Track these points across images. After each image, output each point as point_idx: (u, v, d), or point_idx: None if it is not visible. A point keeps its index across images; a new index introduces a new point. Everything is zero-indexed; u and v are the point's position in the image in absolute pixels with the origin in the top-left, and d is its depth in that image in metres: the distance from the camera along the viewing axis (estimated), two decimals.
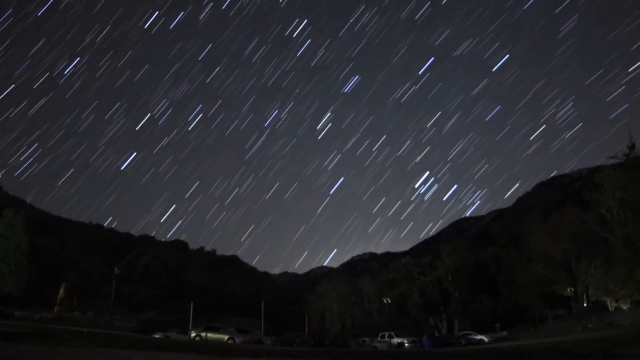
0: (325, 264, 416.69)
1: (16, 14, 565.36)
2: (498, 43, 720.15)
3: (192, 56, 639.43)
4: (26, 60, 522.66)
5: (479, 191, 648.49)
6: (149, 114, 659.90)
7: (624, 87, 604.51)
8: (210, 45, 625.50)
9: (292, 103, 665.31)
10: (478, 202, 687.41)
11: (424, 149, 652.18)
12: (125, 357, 20.97)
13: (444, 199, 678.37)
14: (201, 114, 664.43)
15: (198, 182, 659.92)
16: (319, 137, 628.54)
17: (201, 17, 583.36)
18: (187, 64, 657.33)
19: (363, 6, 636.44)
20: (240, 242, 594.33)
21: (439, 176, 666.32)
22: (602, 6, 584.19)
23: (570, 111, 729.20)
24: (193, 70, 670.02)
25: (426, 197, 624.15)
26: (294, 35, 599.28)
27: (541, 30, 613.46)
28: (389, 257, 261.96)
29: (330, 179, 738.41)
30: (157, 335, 62.04)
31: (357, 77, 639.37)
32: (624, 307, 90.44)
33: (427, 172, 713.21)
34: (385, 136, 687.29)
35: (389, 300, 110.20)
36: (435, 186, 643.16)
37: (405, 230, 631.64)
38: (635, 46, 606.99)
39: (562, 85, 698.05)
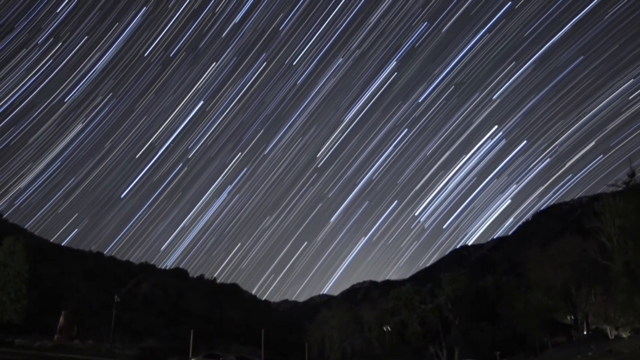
0: (325, 292, 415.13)
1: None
2: None
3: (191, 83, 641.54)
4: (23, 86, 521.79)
5: (549, 148, 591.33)
6: (149, 141, 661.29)
7: None
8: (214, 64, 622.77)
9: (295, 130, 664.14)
10: (535, 172, 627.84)
11: (493, 103, 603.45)
12: None
13: (444, 226, 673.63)
14: (204, 137, 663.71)
15: (197, 210, 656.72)
16: (319, 164, 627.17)
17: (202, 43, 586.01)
18: (185, 91, 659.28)
19: None
20: (241, 270, 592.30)
21: (507, 131, 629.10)
22: None
23: None
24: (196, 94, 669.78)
25: (426, 225, 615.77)
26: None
27: None
28: (389, 285, 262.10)
29: (330, 206, 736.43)
30: None
31: (425, 23, 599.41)
32: (624, 335, 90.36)
33: (495, 127, 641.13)
34: (387, 160, 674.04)
35: (389, 328, 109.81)
36: (503, 141, 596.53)
37: (406, 258, 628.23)
38: None
39: None
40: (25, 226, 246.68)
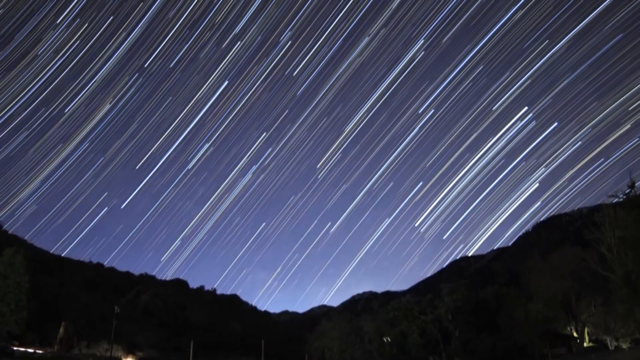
0: (325, 303, 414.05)
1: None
2: None
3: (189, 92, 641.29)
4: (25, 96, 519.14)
5: (582, 130, 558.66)
6: (150, 152, 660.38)
7: None
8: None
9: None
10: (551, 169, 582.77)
11: (525, 82, 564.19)
12: None
13: (444, 237, 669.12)
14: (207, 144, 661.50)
15: (197, 221, 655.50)
16: (319, 175, 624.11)
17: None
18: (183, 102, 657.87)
19: None
20: (241, 281, 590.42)
21: (538, 113, 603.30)
22: None
23: None
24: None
25: (426, 236, 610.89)
26: None
27: None
28: (389, 296, 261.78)
29: (330, 217, 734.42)
30: None
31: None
32: (624, 345, 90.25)
33: (526, 108, 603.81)
34: (388, 170, 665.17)
35: (389, 339, 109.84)
36: (533, 123, 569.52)
37: (406, 269, 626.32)
38: None
39: None
40: (26, 237, 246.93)
